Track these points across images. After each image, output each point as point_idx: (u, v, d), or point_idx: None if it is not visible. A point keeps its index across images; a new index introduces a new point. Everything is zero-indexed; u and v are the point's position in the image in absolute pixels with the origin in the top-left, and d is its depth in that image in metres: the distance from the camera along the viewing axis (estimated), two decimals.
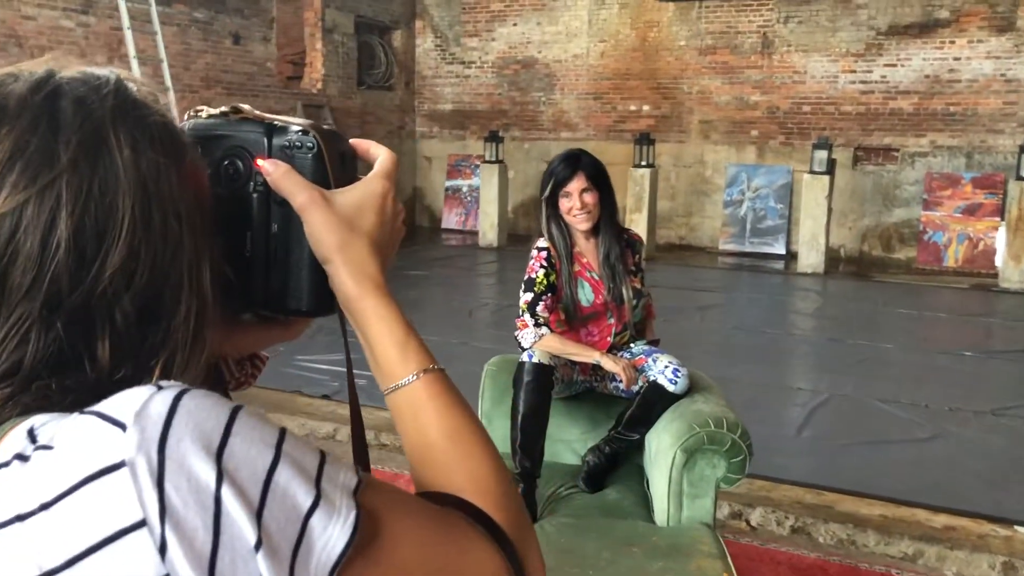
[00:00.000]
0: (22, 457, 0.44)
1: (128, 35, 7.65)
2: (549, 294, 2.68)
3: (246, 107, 0.64)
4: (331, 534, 0.46)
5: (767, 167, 10.50)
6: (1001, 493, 3.49)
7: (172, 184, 0.53)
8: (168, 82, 7.86)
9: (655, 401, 2.55)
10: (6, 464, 0.45)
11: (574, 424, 2.81)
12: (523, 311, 2.68)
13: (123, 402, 0.44)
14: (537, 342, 2.60)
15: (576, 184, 2.67)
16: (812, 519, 3.19)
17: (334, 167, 0.63)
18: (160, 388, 0.45)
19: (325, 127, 0.64)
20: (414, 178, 12.49)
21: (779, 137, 10.52)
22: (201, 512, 0.42)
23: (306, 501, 0.45)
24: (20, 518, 0.42)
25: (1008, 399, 4.73)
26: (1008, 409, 4.56)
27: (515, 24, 11.71)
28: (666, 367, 2.56)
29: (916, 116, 9.85)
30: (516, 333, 2.68)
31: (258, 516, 0.44)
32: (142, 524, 0.41)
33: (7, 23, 7.23)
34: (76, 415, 0.45)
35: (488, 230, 10.58)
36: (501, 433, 2.67)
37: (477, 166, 11.28)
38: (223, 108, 0.64)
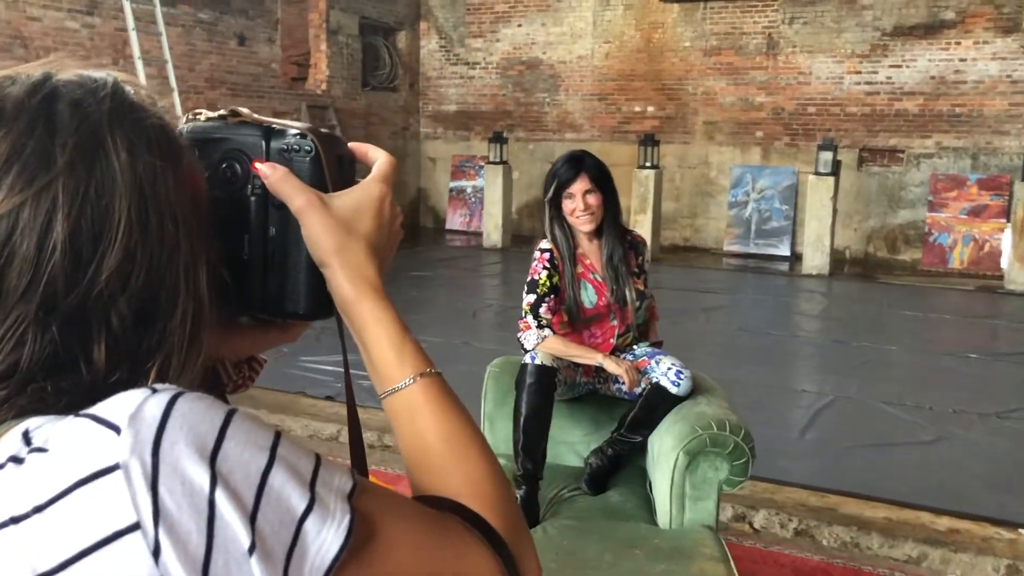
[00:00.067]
0: (17, 459, 0.44)
1: (133, 36, 7.66)
2: (552, 296, 2.68)
3: (244, 110, 0.64)
4: (325, 538, 0.46)
5: (772, 168, 10.49)
6: (1006, 496, 3.48)
7: (169, 187, 0.53)
8: (173, 83, 7.88)
9: (658, 403, 2.55)
10: (1, 467, 0.45)
11: (577, 426, 2.81)
12: (526, 313, 2.68)
13: (117, 405, 0.44)
14: (540, 344, 2.60)
15: (579, 185, 2.67)
16: (816, 521, 3.19)
17: (332, 170, 0.63)
18: (155, 391, 0.45)
19: (323, 131, 0.64)
20: (418, 179, 12.50)
21: (784, 138, 10.51)
22: (195, 515, 0.42)
23: (300, 504, 0.45)
24: (14, 520, 0.42)
25: (1013, 401, 4.72)
26: (1013, 412, 4.55)
27: (519, 25, 11.71)
28: (669, 369, 2.56)
29: (921, 117, 9.83)
30: (519, 335, 2.68)
31: (252, 519, 0.44)
32: (136, 527, 0.42)
33: (12, 24, 7.25)
34: (71, 418, 0.45)
35: (492, 231, 10.58)
36: (504, 435, 2.67)
37: (481, 167, 11.28)
38: (221, 111, 0.64)
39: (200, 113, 0.64)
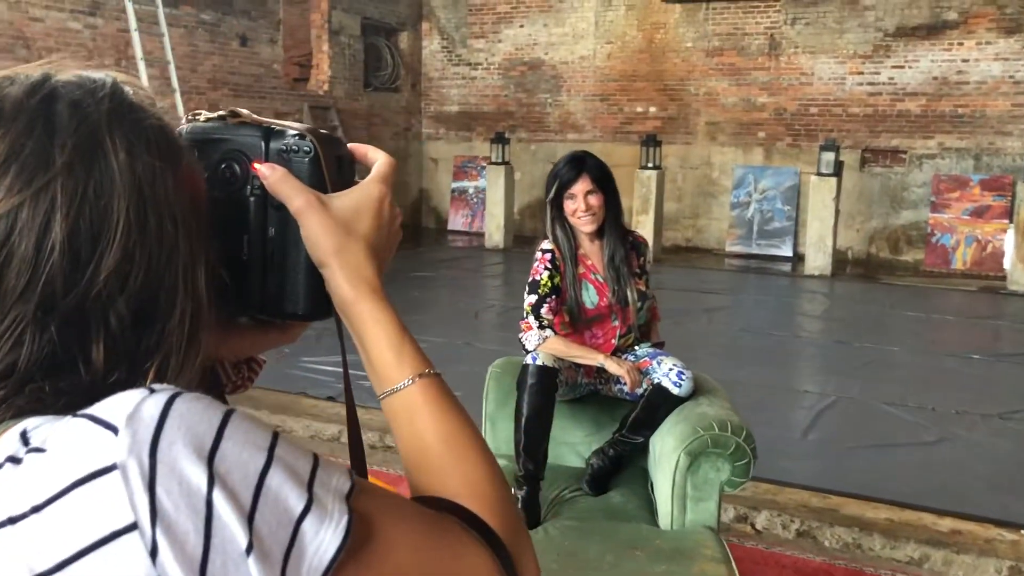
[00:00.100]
0: (14, 460, 0.44)
1: (135, 37, 7.68)
2: (553, 296, 2.68)
3: (244, 111, 0.64)
4: (323, 538, 0.46)
5: (774, 169, 10.48)
6: (1008, 497, 3.47)
7: (167, 187, 0.53)
8: (175, 84, 7.89)
9: (659, 404, 2.55)
10: None
11: (578, 427, 2.81)
12: (527, 313, 2.68)
13: (115, 405, 0.44)
14: (541, 344, 2.60)
15: (581, 186, 2.67)
16: (818, 522, 3.18)
17: (331, 171, 0.63)
18: (152, 391, 0.45)
19: (322, 131, 0.64)
20: (420, 180, 12.50)
21: (786, 139, 10.50)
22: (192, 515, 0.42)
23: (298, 505, 0.45)
24: (11, 520, 0.42)
25: (1016, 403, 4.71)
26: (1016, 413, 4.54)
27: (521, 26, 11.72)
28: (670, 370, 2.56)
29: (924, 118, 9.83)
30: (520, 335, 2.68)
31: (249, 520, 0.44)
32: (133, 527, 0.42)
33: (15, 25, 7.27)
34: (68, 418, 0.45)
35: (494, 232, 10.58)
36: (505, 435, 2.67)
37: (483, 168, 11.28)
38: (221, 112, 0.64)
39: (199, 114, 0.64)
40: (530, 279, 2.71)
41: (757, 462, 2.37)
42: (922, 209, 9.88)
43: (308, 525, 0.45)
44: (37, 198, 0.48)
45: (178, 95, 7.84)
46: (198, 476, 0.43)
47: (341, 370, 0.68)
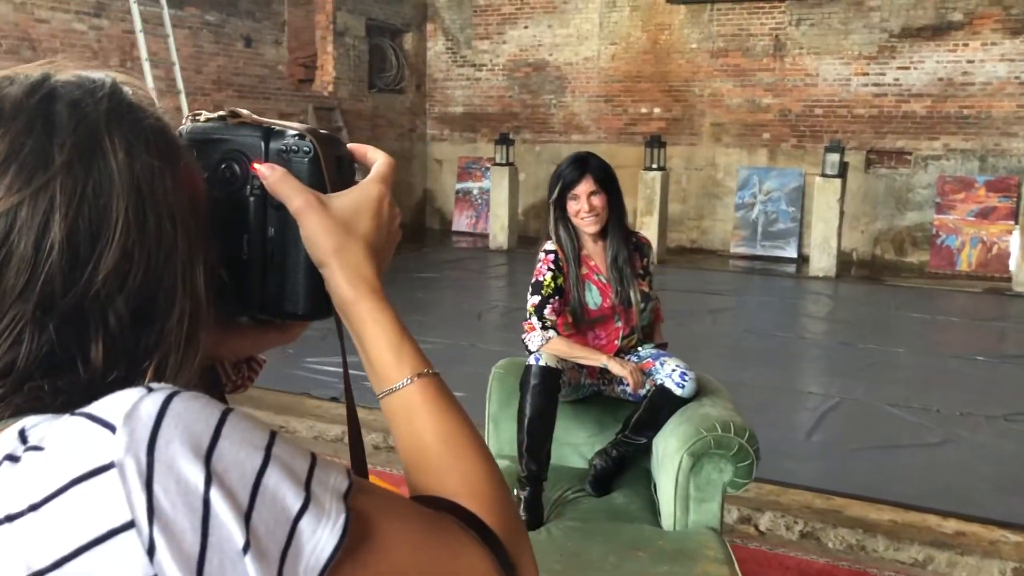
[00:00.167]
0: (13, 458, 0.44)
1: (140, 38, 7.69)
2: (556, 297, 2.68)
3: (244, 111, 0.64)
4: (320, 537, 0.46)
5: (779, 170, 10.47)
6: (1012, 498, 3.46)
7: (166, 187, 0.53)
8: (180, 85, 7.91)
9: (662, 405, 2.55)
10: None
11: (581, 427, 2.81)
12: (530, 314, 2.68)
13: (113, 404, 0.45)
14: (544, 345, 2.60)
15: (584, 187, 2.67)
16: (821, 524, 3.18)
17: (330, 171, 0.63)
18: (150, 390, 0.45)
19: (322, 131, 0.64)
20: (424, 181, 12.51)
21: (791, 140, 10.48)
22: (189, 514, 0.42)
23: (295, 504, 0.45)
24: (9, 518, 0.42)
25: (1020, 404, 4.70)
26: (1020, 414, 4.53)
27: (526, 27, 11.72)
28: (673, 371, 2.56)
29: (929, 119, 9.80)
30: (523, 336, 2.68)
31: (247, 518, 0.44)
32: (130, 525, 0.42)
33: (20, 26, 7.29)
34: (67, 416, 0.45)
35: (498, 232, 10.58)
36: (508, 436, 2.67)
37: (487, 168, 11.28)
38: (221, 112, 0.64)
39: (200, 114, 0.64)
40: (533, 280, 2.71)
41: (760, 463, 2.36)
42: (927, 210, 9.86)
43: (305, 524, 0.45)
44: (36, 197, 0.48)
45: (183, 96, 7.85)
46: (195, 475, 0.43)
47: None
